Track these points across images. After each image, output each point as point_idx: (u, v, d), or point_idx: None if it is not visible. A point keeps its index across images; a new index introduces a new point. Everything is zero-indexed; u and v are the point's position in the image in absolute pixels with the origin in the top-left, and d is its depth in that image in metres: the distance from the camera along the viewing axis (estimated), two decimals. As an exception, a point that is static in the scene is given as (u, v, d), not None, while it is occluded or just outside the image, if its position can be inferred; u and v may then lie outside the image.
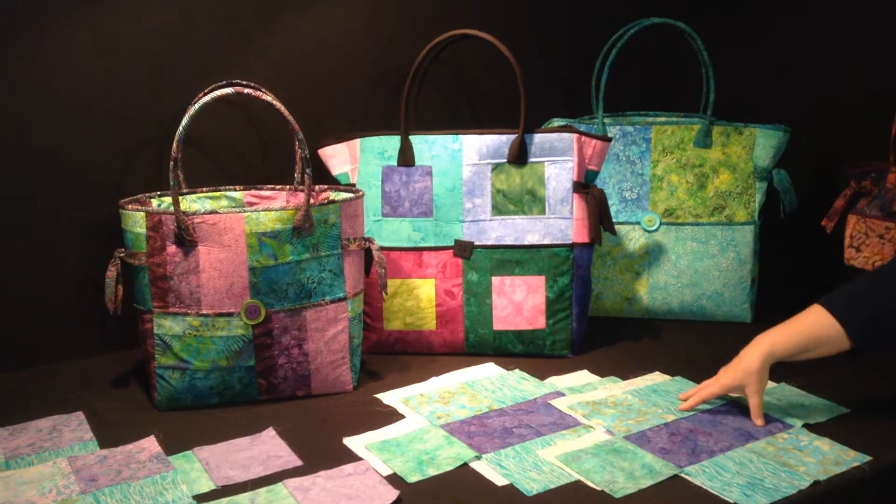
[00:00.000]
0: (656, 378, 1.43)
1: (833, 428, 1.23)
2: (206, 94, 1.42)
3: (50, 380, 1.46)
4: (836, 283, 1.78)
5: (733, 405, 1.30)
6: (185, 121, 1.28)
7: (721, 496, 1.05)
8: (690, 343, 1.61)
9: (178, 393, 1.33)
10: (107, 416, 1.31)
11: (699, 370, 1.43)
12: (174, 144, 1.29)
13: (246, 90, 1.33)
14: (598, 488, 1.07)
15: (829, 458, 1.14)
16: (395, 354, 1.56)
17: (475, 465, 1.14)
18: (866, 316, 1.18)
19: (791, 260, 1.90)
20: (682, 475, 1.10)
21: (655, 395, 1.35)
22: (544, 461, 1.14)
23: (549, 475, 1.10)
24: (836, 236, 1.68)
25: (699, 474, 1.10)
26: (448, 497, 1.06)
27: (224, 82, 1.47)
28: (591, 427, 1.24)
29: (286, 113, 1.33)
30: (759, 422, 1.22)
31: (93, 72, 1.48)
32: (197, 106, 1.30)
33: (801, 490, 1.06)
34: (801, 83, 1.85)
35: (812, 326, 1.20)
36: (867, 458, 1.13)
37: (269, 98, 1.33)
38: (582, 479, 1.09)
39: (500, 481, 1.10)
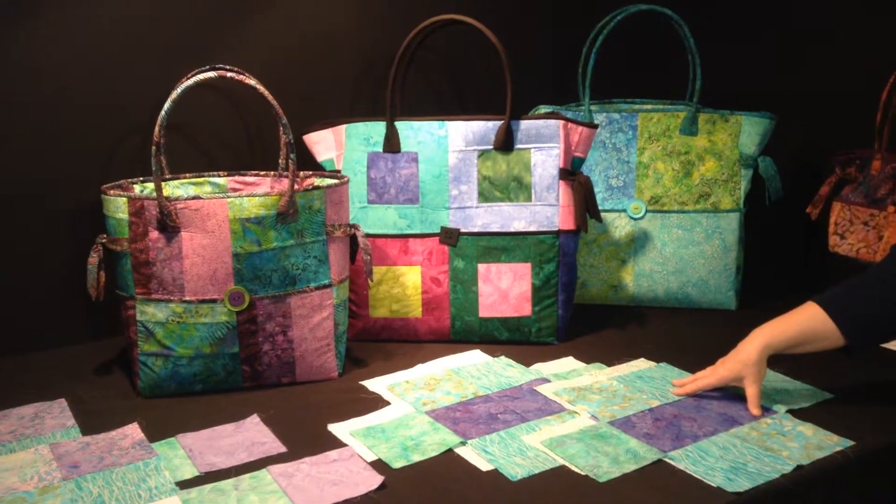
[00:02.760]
0: (641, 364, 1.43)
1: (817, 413, 1.23)
2: (189, 79, 1.41)
3: (32, 367, 1.45)
4: (820, 270, 1.80)
5: (718, 391, 1.30)
6: (167, 105, 1.27)
7: (704, 480, 1.05)
8: (675, 330, 1.61)
9: (161, 380, 1.32)
10: (89, 404, 1.30)
11: (684, 357, 1.44)
12: (156, 129, 1.27)
13: (229, 74, 1.32)
14: (583, 473, 1.07)
15: (813, 443, 1.14)
16: (380, 342, 1.56)
17: (460, 451, 1.13)
18: (859, 315, 1.20)
19: (776, 247, 1.91)
20: (666, 460, 1.10)
21: (640, 382, 1.35)
22: (529, 447, 1.14)
23: (533, 460, 1.11)
24: (820, 223, 1.69)
25: (683, 459, 1.10)
26: (433, 483, 1.06)
27: (207, 67, 1.45)
28: (576, 413, 1.24)
29: (270, 97, 1.32)
30: (756, 411, 1.22)
31: (75, 56, 1.47)
32: (179, 90, 1.29)
33: (784, 474, 1.06)
34: (787, 70, 1.85)
35: (808, 322, 1.21)
36: (850, 443, 1.14)
37: (252, 82, 1.32)
38: (566, 464, 1.09)
39: (484, 467, 1.10)
